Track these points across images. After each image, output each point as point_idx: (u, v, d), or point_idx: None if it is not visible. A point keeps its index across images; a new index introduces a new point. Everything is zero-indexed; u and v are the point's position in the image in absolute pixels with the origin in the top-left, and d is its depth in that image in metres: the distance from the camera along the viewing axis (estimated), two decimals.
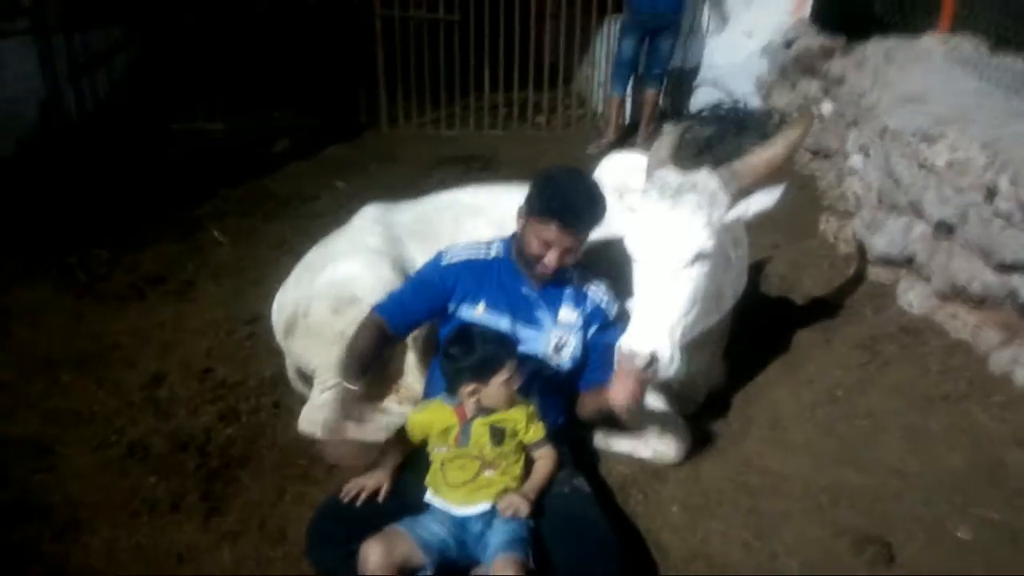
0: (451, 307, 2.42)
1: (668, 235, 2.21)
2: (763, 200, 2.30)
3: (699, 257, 2.23)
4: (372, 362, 2.45)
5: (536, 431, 2.16)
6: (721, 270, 2.43)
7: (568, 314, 2.42)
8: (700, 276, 2.25)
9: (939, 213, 3.21)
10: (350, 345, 2.41)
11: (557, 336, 2.40)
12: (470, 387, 2.09)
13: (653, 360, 2.12)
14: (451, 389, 2.15)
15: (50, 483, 2.50)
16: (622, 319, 2.40)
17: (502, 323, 2.38)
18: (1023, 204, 2.71)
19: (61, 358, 3.17)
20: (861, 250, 3.81)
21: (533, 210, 2.31)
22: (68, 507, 2.40)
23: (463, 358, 2.09)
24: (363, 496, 2.08)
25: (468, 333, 2.17)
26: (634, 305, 2.26)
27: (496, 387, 2.08)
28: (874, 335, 3.24)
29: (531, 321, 2.40)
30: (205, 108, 6.57)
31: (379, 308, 2.45)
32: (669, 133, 2.59)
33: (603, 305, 2.44)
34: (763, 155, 2.34)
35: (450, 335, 2.21)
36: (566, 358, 2.42)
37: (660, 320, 2.17)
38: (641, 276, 2.26)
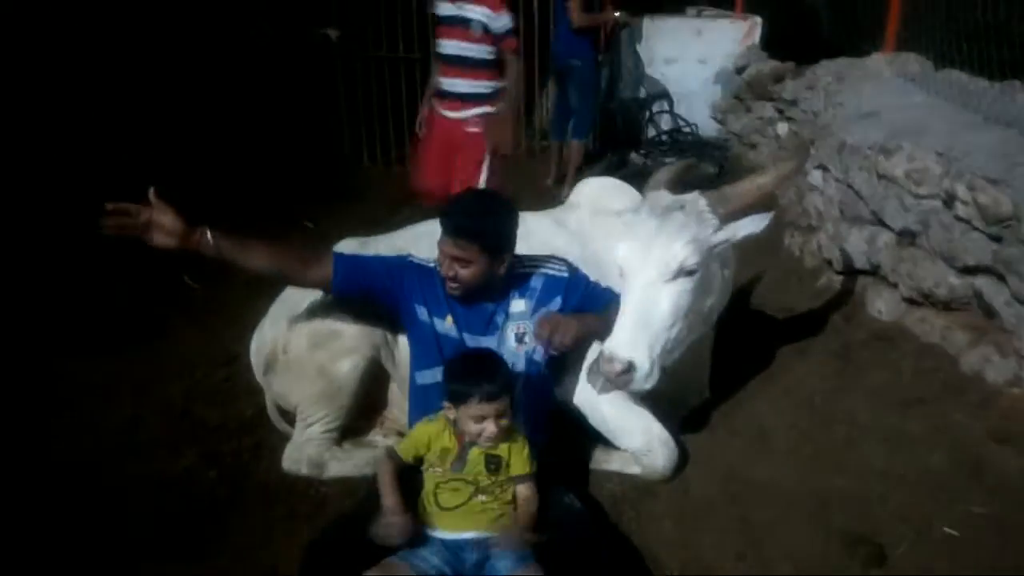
0: (420, 311, 2.44)
1: (653, 248, 2.28)
2: (752, 225, 2.37)
3: (682, 272, 2.29)
4: (282, 256, 2.50)
5: (525, 464, 2.10)
6: (709, 289, 2.48)
7: (518, 305, 2.47)
8: (684, 292, 2.31)
9: (901, 222, 3.31)
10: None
11: (515, 327, 2.44)
12: (475, 408, 2.02)
13: (631, 368, 2.19)
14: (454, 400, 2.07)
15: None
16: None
17: (464, 337, 2.42)
18: (981, 209, 2.81)
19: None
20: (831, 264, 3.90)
21: None
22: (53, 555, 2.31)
23: (471, 381, 2.04)
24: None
25: (480, 358, 2.16)
26: (620, 315, 2.30)
27: (494, 423, 2.03)
28: (847, 343, 3.31)
29: (489, 327, 2.44)
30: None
31: (336, 253, 2.51)
32: (668, 168, 2.74)
33: (552, 272, 2.49)
34: (754, 182, 2.45)
35: (459, 356, 2.20)
36: (530, 344, 2.43)
37: (642, 331, 2.23)
38: (628, 288, 2.32)
